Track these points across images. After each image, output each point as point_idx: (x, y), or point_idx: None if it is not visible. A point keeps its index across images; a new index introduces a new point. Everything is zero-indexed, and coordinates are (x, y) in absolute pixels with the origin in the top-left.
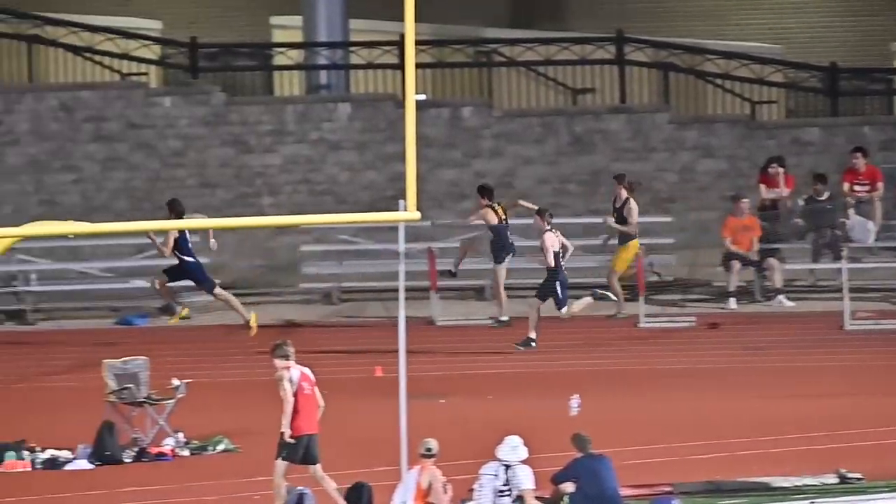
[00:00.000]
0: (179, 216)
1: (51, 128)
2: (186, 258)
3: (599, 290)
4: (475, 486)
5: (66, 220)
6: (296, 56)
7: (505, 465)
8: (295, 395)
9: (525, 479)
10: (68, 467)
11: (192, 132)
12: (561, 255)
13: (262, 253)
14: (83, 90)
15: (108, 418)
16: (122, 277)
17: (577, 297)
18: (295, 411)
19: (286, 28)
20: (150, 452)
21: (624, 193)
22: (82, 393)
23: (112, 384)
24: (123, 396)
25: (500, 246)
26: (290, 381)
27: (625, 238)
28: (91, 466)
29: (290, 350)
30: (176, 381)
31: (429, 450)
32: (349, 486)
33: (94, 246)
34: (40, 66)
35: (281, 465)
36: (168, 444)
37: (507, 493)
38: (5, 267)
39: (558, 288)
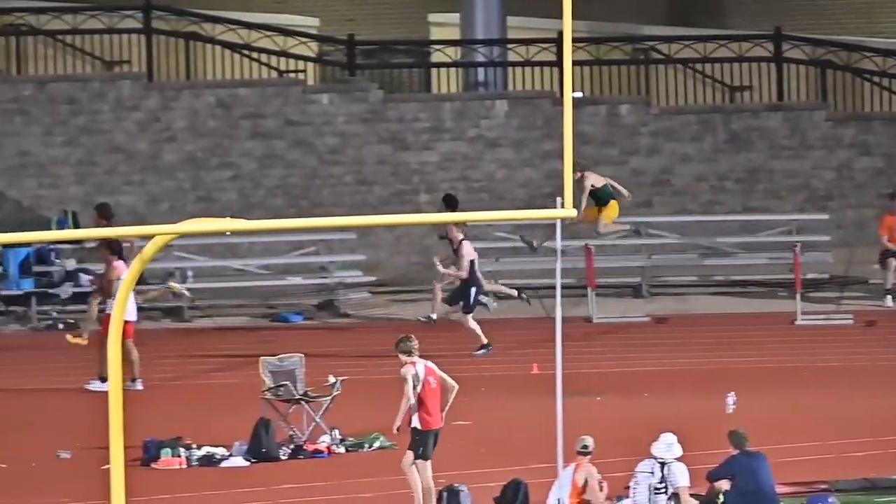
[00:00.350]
0: (110, 220)
1: (208, 125)
2: None
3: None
4: (631, 484)
5: (222, 217)
6: (453, 53)
7: (661, 463)
8: (421, 390)
9: (681, 476)
10: (224, 464)
11: (349, 129)
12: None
13: (418, 250)
14: (241, 87)
15: (265, 415)
16: (279, 274)
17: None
18: (422, 406)
19: (444, 25)
20: (306, 449)
21: (577, 175)
22: (238, 390)
23: (268, 381)
24: (280, 393)
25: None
26: (416, 376)
27: (604, 201)
28: (247, 463)
29: (414, 345)
30: (332, 379)
31: (585, 447)
32: (505, 483)
33: (250, 243)
34: (198, 64)
35: (423, 464)
36: (324, 442)
37: (663, 490)
38: (162, 264)
39: (472, 293)
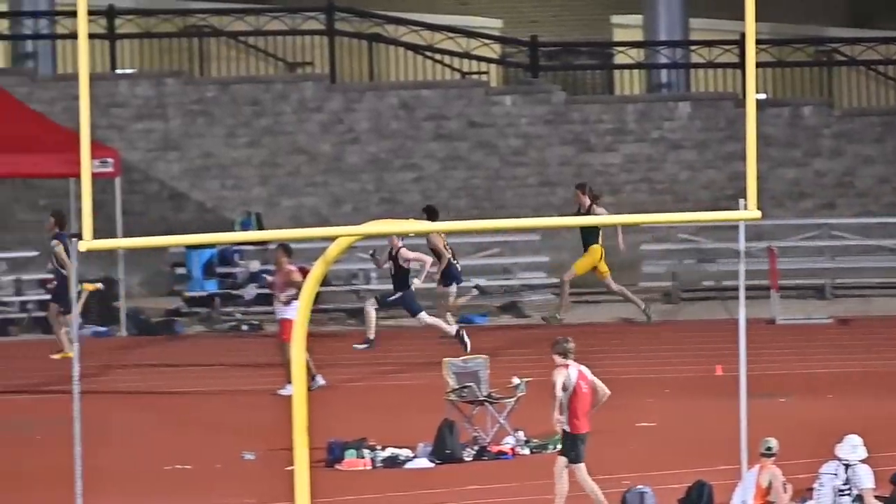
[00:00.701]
0: (64, 227)
1: (391, 126)
2: (63, 272)
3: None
4: (815, 486)
5: (406, 218)
6: (636, 55)
7: (845, 465)
8: (572, 394)
9: (865, 478)
10: (408, 466)
11: (532, 131)
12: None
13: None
14: (424, 89)
15: (449, 417)
16: (462, 276)
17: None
18: (571, 409)
19: (626, 27)
20: (491, 451)
21: (587, 201)
22: (422, 391)
23: (452, 382)
24: (464, 395)
25: (446, 272)
26: (568, 379)
27: (588, 242)
28: (431, 465)
29: (569, 346)
30: (516, 380)
31: (769, 449)
32: (689, 484)
33: None
34: (381, 65)
35: (579, 468)
36: (508, 443)
37: (847, 492)
38: (346, 265)
39: (397, 295)
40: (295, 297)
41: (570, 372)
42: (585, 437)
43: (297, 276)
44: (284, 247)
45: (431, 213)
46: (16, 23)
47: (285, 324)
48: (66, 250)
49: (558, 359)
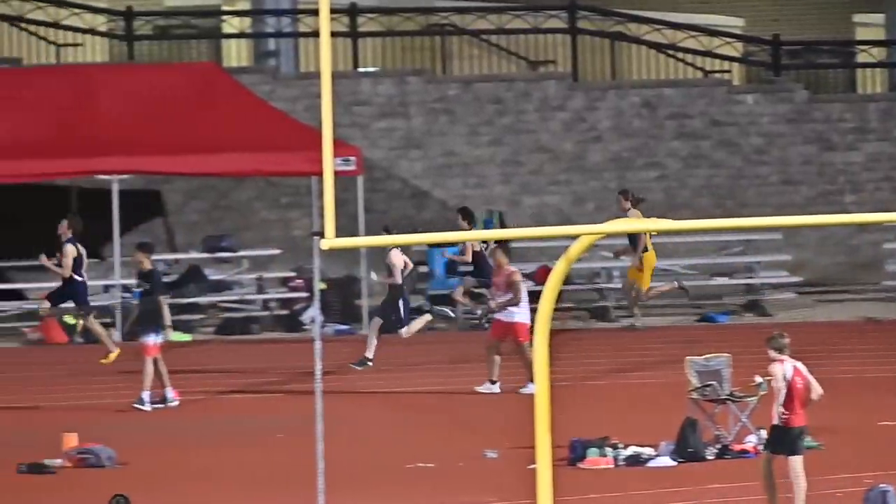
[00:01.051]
0: (75, 232)
1: (633, 125)
2: (77, 278)
3: (437, 308)
4: None
5: (648, 217)
6: (878, 53)
7: None
8: (788, 388)
9: None
10: (651, 464)
11: (774, 129)
12: (404, 273)
13: (844, 250)
14: (666, 87)
15: (691, 415)
16: (704, 275)
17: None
18: (785, 404)
19: (869, 25)
20: (733, 449)
21: (628, 206)
22: (664, 389)
23: (694, 381)
24: (706, 393)
25: (481, 273)
26: (783, 374)
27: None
28: (673, 463)
29: (784, 342)
30: (758, 379)
31: None
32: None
33: (676, 243)
34: (623, 64)
35: (766, 456)
36: (750, 442)
37: None
38: (588, 264)
39: (401, 307)
40: (512, 302)
41: (785, 367)
42: (799, 432)
43: (518, 277)
44: (503, 247)
45: (467, 215)
46: (258, 21)
47: (518, 326)
48: (79, 255)
49: (773, 353)
